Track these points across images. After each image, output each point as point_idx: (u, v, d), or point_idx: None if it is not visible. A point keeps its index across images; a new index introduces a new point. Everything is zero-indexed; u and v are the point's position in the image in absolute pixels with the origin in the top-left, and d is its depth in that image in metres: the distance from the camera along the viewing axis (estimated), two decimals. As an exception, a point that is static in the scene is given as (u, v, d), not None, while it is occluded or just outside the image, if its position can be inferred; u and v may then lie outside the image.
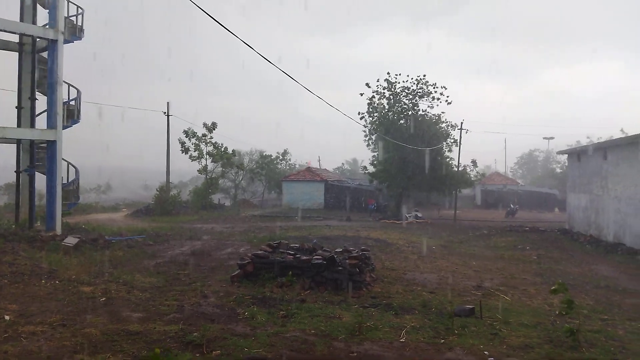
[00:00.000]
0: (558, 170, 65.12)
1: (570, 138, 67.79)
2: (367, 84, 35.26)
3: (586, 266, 14.97)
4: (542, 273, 13.35)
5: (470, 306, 8.58)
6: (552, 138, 69.86)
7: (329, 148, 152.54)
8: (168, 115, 38.43)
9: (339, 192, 43.32)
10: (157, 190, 35.87)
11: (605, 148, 21.41)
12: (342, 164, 78.19)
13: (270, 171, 49.61)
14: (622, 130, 54.73)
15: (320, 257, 10.40)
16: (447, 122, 36.21)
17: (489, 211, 46.07)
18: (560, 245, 20.57)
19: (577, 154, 25.15)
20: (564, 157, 44.27)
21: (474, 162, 37.25)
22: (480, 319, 8.06)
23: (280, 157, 52.27)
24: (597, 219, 21.76)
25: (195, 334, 6.88)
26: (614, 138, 30.68)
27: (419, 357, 6.35)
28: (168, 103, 38.83)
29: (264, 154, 51.59)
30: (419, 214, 34.01)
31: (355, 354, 6.41)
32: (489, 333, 7.31)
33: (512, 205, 41.72)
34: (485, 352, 6.51)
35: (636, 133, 18.46)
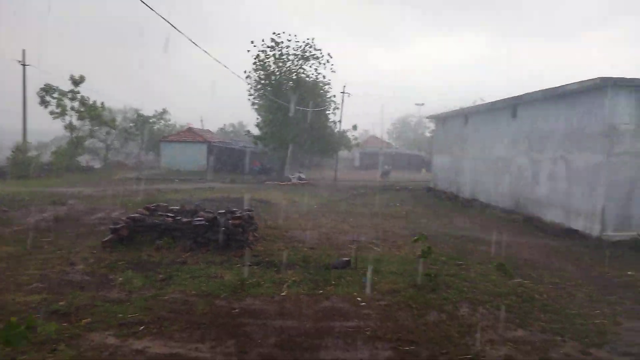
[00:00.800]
0: (427, 134, 70.93)
1: (440, 104, 73.99)
2: (252, 42, 34.42)
3: (446, 219, 16.79)
4: (409, 227, 14.67)
5: (346, 259, 9.17)
6: (422, 104, 75.58)
7: (212, 110, 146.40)
8: (24, 65, 33.69)
9: (223, 154, 42.35)
10: (12, 151, 31.64)
11: (467, 114, 23.74)
12: (224, 125, 76.12)
13: (147, 131, 46.54)
14: (480, 99, 61.27)
15: (202, 218, 10.21)
16: (328, 83, 37.08)
17: (366, 172, 48.84)
18: (426, 201, 22.73)
19: (442, 119, 27.53)
20: (433, 122, 48.17)
21: (354, 127, 39.06)
22: (355, 269, 8.67)
23: (159, 117, 49.25)
24: (457, 177, 24.29)
25: (61, 302, 6.40)
26: (475, 105, 34.11)
27: (298, 308, 6.66)
28: (24, 50, 33.86)
29: (140, 112, 48.09)
30: (302, 176, 34.87)
31: (237, 310, 6.51)
32: (362, 281, 7.91)
33: (386, 167, 44.83)
34: (358, 298, 7.06)
35: (493, 100, 20.69)
